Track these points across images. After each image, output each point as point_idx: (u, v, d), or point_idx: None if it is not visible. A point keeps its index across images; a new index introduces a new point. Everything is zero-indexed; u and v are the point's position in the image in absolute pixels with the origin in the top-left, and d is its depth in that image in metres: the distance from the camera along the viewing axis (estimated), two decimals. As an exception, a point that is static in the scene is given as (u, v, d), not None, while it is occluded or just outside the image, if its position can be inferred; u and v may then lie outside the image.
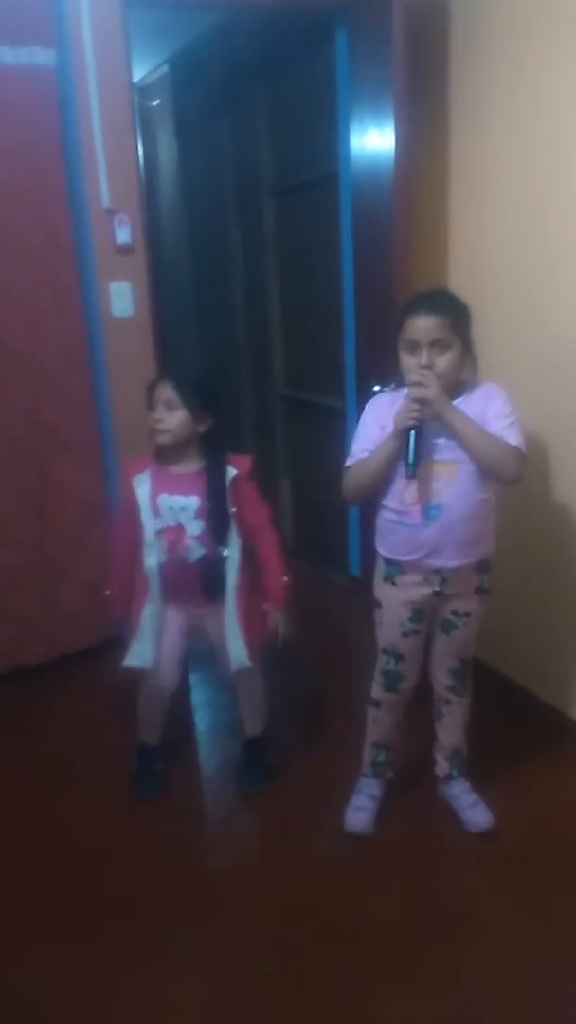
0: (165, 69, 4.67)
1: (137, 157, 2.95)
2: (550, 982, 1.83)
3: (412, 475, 1.94)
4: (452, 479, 1.98)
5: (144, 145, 4.88)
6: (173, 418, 2.17)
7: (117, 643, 3.17)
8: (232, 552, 2.24)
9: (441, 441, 1.97)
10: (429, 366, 1.91)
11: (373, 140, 2.80)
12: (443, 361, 1.93)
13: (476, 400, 1.99)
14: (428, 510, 2.00)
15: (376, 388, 2.13)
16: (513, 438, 1.94)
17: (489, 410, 1.97)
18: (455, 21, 2.64)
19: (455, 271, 2.84)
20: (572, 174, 2.30)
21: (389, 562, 2.14)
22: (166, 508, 2.20)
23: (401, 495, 2.03)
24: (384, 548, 2.14)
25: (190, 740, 2.74)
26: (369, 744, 2.35)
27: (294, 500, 4.23)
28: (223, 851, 2.30)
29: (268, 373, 4.27)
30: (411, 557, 2.07)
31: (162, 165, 5.10)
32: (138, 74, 4.56)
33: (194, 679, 2.98)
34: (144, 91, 4.92)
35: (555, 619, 2.64)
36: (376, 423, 2.04)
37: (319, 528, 3.97)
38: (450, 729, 2.31)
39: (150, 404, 2.19)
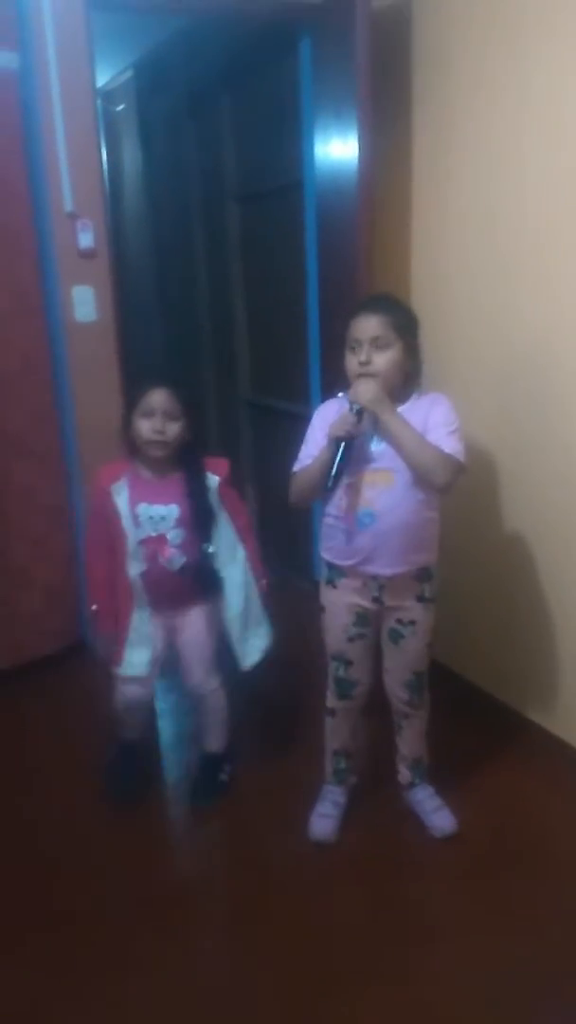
0: (130, 74, 4.65)
1: (100, 161, 2.93)
2: (515, 983, 1.84)
3: (331, 488, 1.96)
4: (388, 487, 1.99)
5: (108, 150, 4.85)
6: (174, 428, 2.13)
7: (80, 649, 3.16)
8: (218, 548, 2.23)
9: (378, 448, 1.99)
10: (368, 362, 1.94)
11: (337, 148, 2.82)
12: (382, 359, 1.95)
13: (421, 407, 2.01)
14: (361, 518, 2.01)
15: (340, 394, 2.14)
16: (449, 445, 1.95)
17: (432, 416, 1.99)
18: (418, 31, 2.67)
19: (417, 281, 2.86)
20: (528, 187, 2.33)
21: (330, 566, 2.15)
22: (145, 518, 2.17)
23: (339, 501, 2.04)
24: (326, 552, 2.15)
25: (154, 748, 2.72)
26: (329, 752, 2.35)
27: (259, 505, 4.23)
28: (187, 858, 2.29)
29: (233, 379, 4.26)
30: (348, 562, 2.08)
31: (127, 170, 5.07)
32: (103, 78, 4.54)
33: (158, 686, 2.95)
34: (108, 95, 4.89)
35: (512, 622, 2.67)
36: (323, 429, 2.04)
37: (283, 533, 3.97)
38: (410, 740, 2.32)
39: (139, 413, 2.13)
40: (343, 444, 1.92)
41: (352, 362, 1.98)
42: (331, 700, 2.28)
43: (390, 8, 2.70)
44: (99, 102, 3.37)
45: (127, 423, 2.17)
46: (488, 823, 2.31)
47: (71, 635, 3.23)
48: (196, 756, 2.54)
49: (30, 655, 3.11)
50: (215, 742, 2.48)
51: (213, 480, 2.22)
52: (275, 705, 2.93)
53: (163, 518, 2.17)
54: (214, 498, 2.23)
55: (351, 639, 2.18)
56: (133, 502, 2.18)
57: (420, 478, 1.97)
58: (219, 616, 2.32)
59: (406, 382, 2.02)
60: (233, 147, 3.87)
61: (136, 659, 2.25)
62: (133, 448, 2.20)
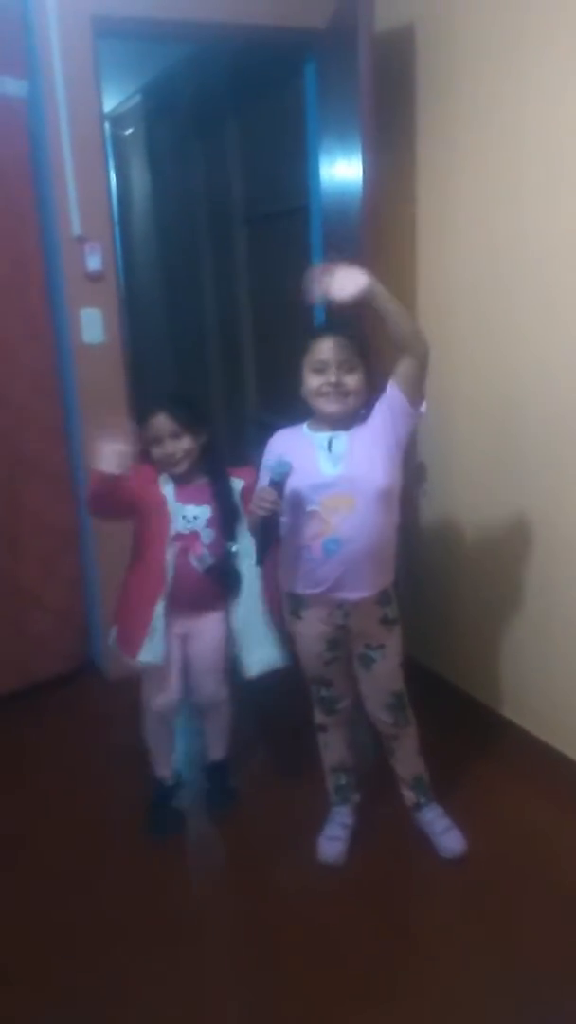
0: (138, 98, 4.70)
1: (108, 185, 2.96)
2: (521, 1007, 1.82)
3: (260, 563, 2.04)
4: (350, 512, 1.99)
5: (117, 173, 4.91)
6: (183, 444, 2.21)
7: (88, 670, 3.16)
8: (242, 547, 2.25)
9: (333, 474, 2.00)
10: (339, 382, 1.97)
11: (342, 171, 2.84)
12: (352, 379, 1.99)
13: (373, 420, 2.03)
14: (326, 545, 2.01)
15: (304, 425, 2.15)
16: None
17: (382, 401, 2.01)
18: (421, 55, 2.69)
19: (422, 301, 2.88)
20: (532, 211, 2.34)
21: (293, 596, 2.15)
22: (180, 516, 2.23)
23: (300, 531, 2.04)
24: (287, 583, 2.15)
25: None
26: (328, 769, 2.35)
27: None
28: (197, 884, 2.28)
29: (240, 398, 4.29)
30: (314, 591, 2.08)
31: (135, 192, 5.12)
32: (111, 103, 4.59)
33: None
34: (117, 120, 4.94)
35: (511, 635, 2.68)
36: (269, 467, 2.04)
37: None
38: (405, 760, 2.31)
39: (150, 441, 2.22)
40: (266, 523, 1.96)
41: (316, 382, 2.00)
42: (319, 716, 2.30)
43: (393, 32, 2.73)
44: (107, 126, 3.40)
45: (143, 448, 2.26)
46: (492, 841, 2.31)
47: (80, 656, 3.24)
48: (203, 770, 2.58)
49: (39, 676, 3.12)
50: (220, 750, 2.55)
51: (238, 484, 2.30)
52: (284, 726, 2.92)
53: (196, 517, 2.24)
54: (239, 500, 2.29)
55: (326, 663, 2.19)
56: (176, 498, 2.24)
57: (407, 346, 1.95)
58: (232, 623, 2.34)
59: (360, 407, 2.05)
60: (240, 170, 3.91)
61: (155, 648, 2.24)
62: (157, 466, 2.28)
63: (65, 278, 2.88)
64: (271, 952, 2.01)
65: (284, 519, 2.04)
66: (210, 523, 2.25)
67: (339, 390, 1.99)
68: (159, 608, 2.23)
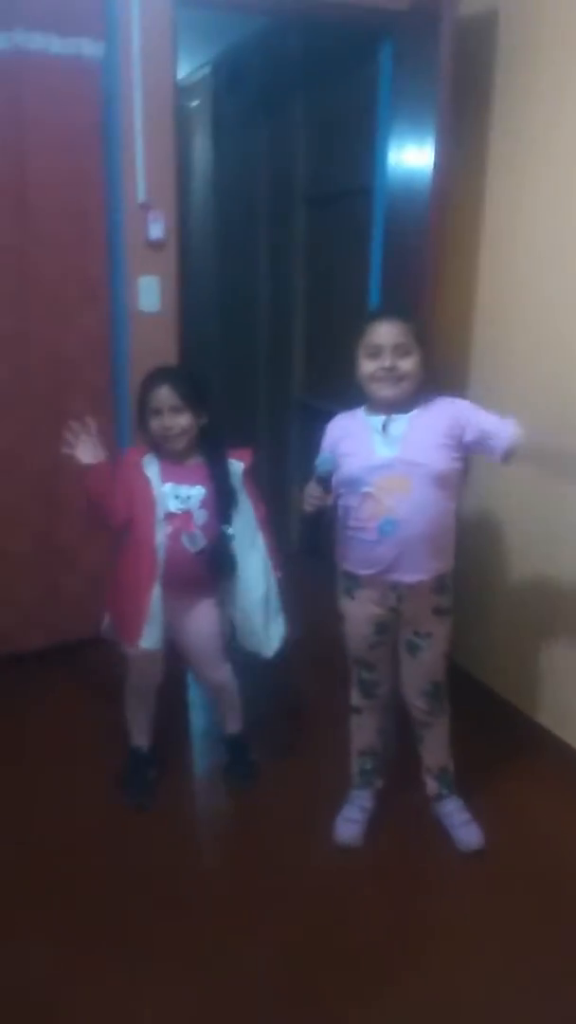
0: (207, 71, 4.69)
1: (176, 155, 2.95)
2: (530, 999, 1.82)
3: (307, 554, 2.08)
4: (407, 494, 1.99)
5: (181, 144, 4.89)
6: (182, 420, 2.21)
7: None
8: (238, 533, 2.26)
9: (388, 455, 2.01)
10: (393, 367, 1.98)
11: (411, 156, 2.81)
12: (407, 363, 1.99)
13: (437, 409, 2.05)
14: (383, 526, 2.01)
15: (361, 409, 2.16)
16: (496, 420, 2.04)
17: (461, 410, 2.05)
18: (502, 42, 2.65)
19: (482, 296, 2.85)
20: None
21: (348, 575, 2.15)
22: (172, 496, 2.22)
23: (357, 511, 2.05)
24: (344, 562, 2.16)
25: (182, 741, 2.74)
26: (355, 752, 2.36)
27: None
28: (211, 857, 2.30)
29: (286, 378, 4.27)
30: (369, 571, 2.08)
31: (196, 165, 5.11)
32: (180, 73, 4.57)
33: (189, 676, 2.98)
34: (184, 91, 4.93)
35: (531, 631, 2.67)
36: (329, 447, 2.11)
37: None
38: (433, 749, 2.31)
39: (149, 413, 2.21)
40: (313, 517, 2.01)
41: (370, 367, 2.01)
42: (356, 698, 2.30)
43: (476, 16, 2.69)
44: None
45: (142, 421, 2.25)
46: (511, 838, 2.31)
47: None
48: (223, 745, 2.60)
49: (67, 637, 3.14)
50: (235, 724, 2.56)
51: (237, 466, 2.30)
52: (301, 705, 2.94)
53: (189, 497, 2.22)
54: (237, 483, 2.29)
55: (372, 646, 2.19)
56: (163, 478, 2.23)
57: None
58: (227, 607, 2.35)
59: (417, 391, 2.05)
60: (304, 148, 3.88)
61: (155, 633, 2.23)
62: (152, 442, 2.27)
63: (126, 244, 2.88)
64: (275, 929, 2.02)
65: (341, 502, 2.07)
66: (204, 504, 2.23)
67: (393, 374, 1.99)
68: (155, 592, 2.20)
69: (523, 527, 2.64)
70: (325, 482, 1.99)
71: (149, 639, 2.23)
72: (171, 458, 2.26)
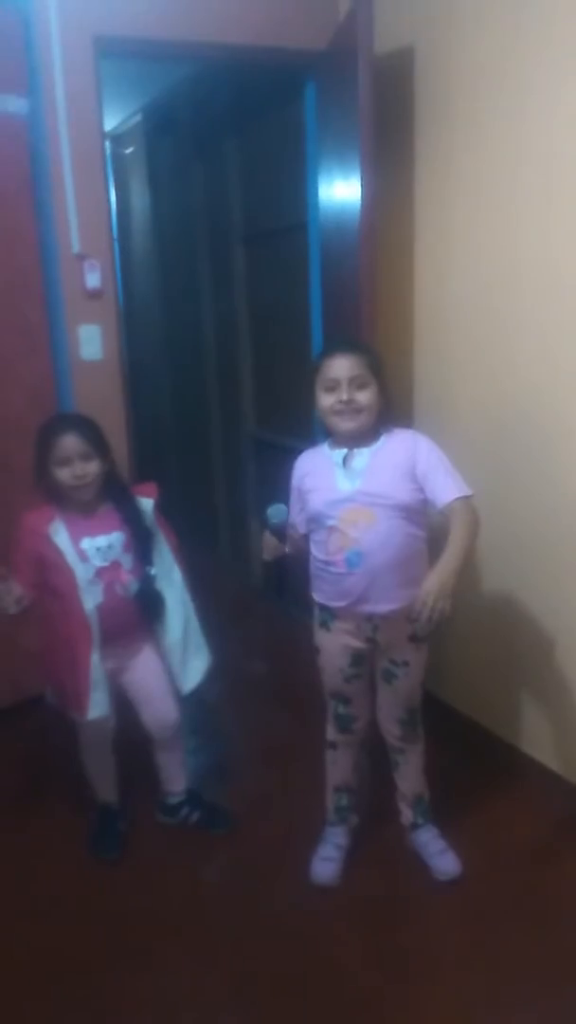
0: (139, 117, 4.74)
1: (108, 203, 2.97)
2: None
3: (277, 597, 2.12)
4: (370, 525, 1.99)
5: (117, 191, 4.94)
6: (92, 467, 2.15)
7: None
8: (160, 569, 2.24)
9: (350, 488, 2.01)
10: (351, 400, 1.98)
11: (340, 191, 2.86)
12: (364, 395, 2.00)
13: (396, 443, 2.04)
14: (350, 558, 2.01)
15: (324, 444, 2.17)
16: (457, 487, 1.98)
17: (419, 453, 2.01)
18: (420, 77, 2.71)
19: (419, 322, 2.89)
20: (528, 233, 2.35)
21: (322, 608, 2.15)
22: (93, 551, 2.15)
23: (325, 545, 2.05)
24: (317, 594, 2.15)
25: (151, 783, 2.69)
26: (330, 788, 2.33)
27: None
28: (188, 902, 2.25)
29: (238, 414, 4.30)
30: (341, 603, 2.08)
31: (135, 210, 5.16)
32: (112, 122, 4.63)
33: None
34: (118, 139, 4.99)
35: (510, 659, 2.66)
36: (296, 489, 2.15)
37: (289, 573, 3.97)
38: (408, 777, 2.30)
39: (55, 463, 2.13)
40: (276, 565, 2.07)
41: (329, 400, 2.01)
42: (331, 733, 2.28)
43: (393, 54, 2.75)
44: (108, 145, 3.42)
45: (43, 471, 2.16)
46: (488, 864, 2.28)
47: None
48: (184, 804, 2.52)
49: (31, 692, 3.08)
50: (179, 781, 2.50)
51: (148, 503, 2.27)
52: (275, 745, 2.91)
53: (110, 546, 2.17)
54: (150, 521, 2.26)
55: (348, 680, 2.18)
56: (75, 539, 2.15)
57: None
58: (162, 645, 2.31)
59: (377, 421, 2.06)
60: (239, 189, 3.94)
61: (101, 699, 2.18)
62: (56, 494, 2.18)
63: (64, 295, 2.89)
64: (260, 970, 1.99)
65: (312, 536, 2.10)
66: (126, 548, 2.19)
67: (351, 407, 1.99)
68: (94, 659, 2.15)
69: (499, 555, 2.64)
70: (279, 532, 1.99)
71: (96, 708, 2.18)
72: (78, 511, 2.18)
